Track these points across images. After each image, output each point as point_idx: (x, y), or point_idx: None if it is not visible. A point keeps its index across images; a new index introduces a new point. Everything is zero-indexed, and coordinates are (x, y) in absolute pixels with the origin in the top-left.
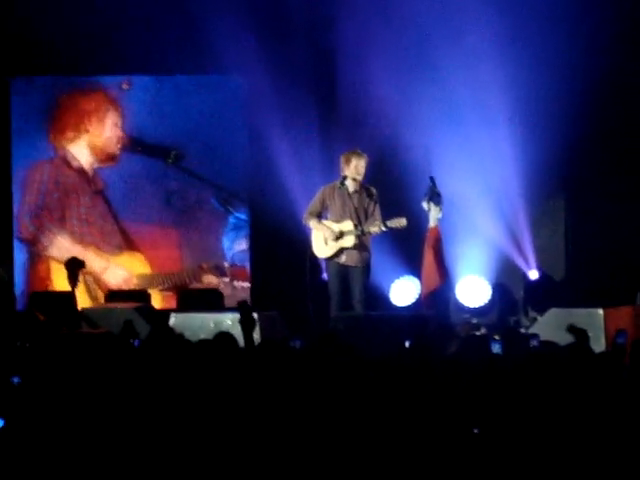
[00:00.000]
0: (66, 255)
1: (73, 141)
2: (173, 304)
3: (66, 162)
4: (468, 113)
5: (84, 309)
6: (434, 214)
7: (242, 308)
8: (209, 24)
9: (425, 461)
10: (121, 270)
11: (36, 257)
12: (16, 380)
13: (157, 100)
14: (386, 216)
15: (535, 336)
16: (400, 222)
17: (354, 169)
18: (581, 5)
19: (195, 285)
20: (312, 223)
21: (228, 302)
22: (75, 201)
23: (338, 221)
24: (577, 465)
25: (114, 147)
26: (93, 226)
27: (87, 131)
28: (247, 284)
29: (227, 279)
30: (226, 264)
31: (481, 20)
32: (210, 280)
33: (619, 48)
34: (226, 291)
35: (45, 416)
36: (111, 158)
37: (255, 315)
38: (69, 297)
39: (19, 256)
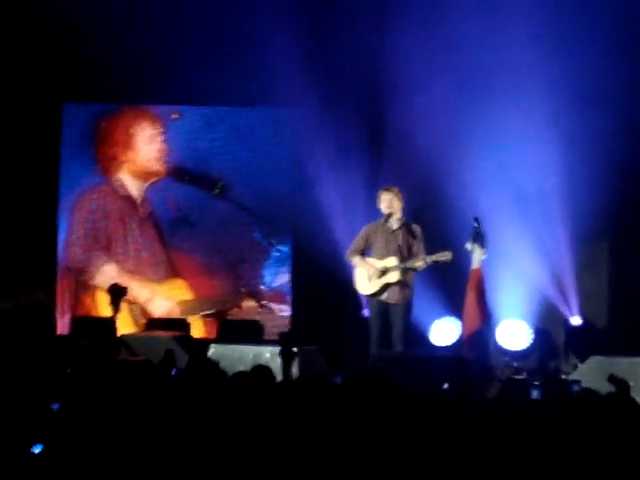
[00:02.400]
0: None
1: (120, 167)
2: (213, 334)
3: (114, 189)
4: (517, 154)
5: (123, 336)
6: (478, 255)
7: (284, 340)
8: (263, 57)
9: None
10: (166, 301)
11: (82, 285)
12: (55, 407)
13: (206, 131)
14: (430, 253)
15: (577, 382)
16: (445, 255)
17: (383, 204)
18: None
19: (235, 311)
20: (355, 260)
21: (268, 331)
22: (122, 229)
23: (381, 258)
24: None
25: (159, 166)
26: (139, 254)
27: (133, 155)
28: (286, 307)
29: (265, 302)
30: (264, 288)
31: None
32: (249, 304)
33: None
34: (265, 318)
35: (83, 441)
36: (155, 174)
37: (295, 349)
38: (110, 323)
39: (66, 283)
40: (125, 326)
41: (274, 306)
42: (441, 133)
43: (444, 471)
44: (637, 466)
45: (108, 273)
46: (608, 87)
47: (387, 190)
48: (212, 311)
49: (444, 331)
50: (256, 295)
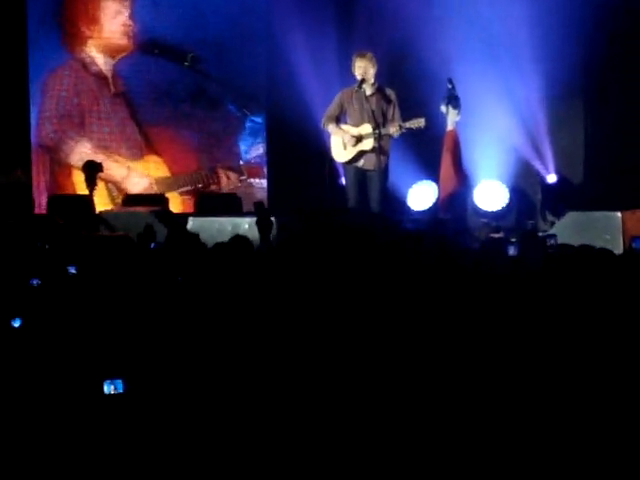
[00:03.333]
0: None
1: (86, 42)
2: (191, 209)
3: (84, 66)
4: (489, 14)
5: (102, 212)
6: (452, 117)
7: (259, 209)
8: None
9: (436, 357)
10: (142, 178)
11: (57, 164)
12: (35, 282)
13: (175, 2)
14: (404, 118)
15: (553, 236)
16: (419, 122)
17: (358, 70)
18: None
19: (213, 187)
20: (331, 127)
21: (246, 204)
22: (95, 106)
23: (356, 125)
24: (592, 367)
25: (125, 40)
26: (113, 131)
27: (99, 30)
28: (264, 181)
29: (244, 177)
30: (242, 162)
31: None
32: (229, 180)
33: None
34: (243, 192)
35: (62, 316)
36: (123, 49)
37: (272, 218)
38: (87, 200)
39: (41, 162)
40: (102, 204)
41: (252, 180)
42: None
43: (424, 326)
44: (614, 313)
45: (83, 151)
46: None
47: (361, 56)
48: (189, 187)
49: (421, 195)
50: (233, 170)
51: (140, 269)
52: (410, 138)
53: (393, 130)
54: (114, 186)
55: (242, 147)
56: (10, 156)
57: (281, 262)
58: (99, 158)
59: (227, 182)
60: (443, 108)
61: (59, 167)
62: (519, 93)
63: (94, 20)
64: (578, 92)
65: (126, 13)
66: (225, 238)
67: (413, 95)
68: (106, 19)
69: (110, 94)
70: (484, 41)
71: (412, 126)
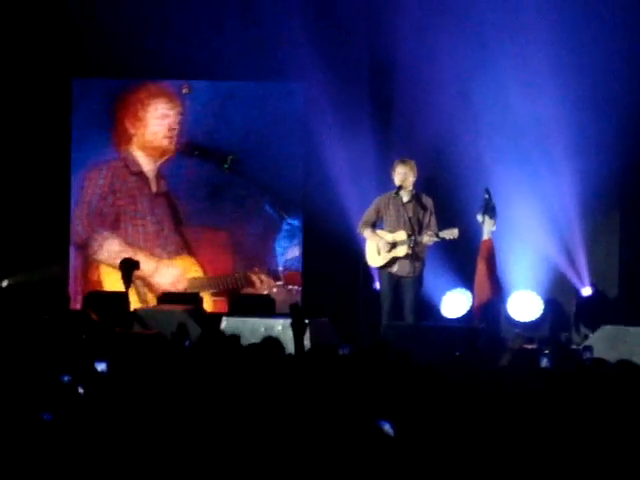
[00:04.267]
0: (116, 259)
1: (130, 140)
2: (225, 309)
3: (126, 165)
4: (524, 126)
5: (136, 310)
6: (488, 227)
7: (294, 311)
8: (271, 31)
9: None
10: (171, 271)
11: (87, 260)
12: (66, 379)
13: (215, 105)
14: (440, 226)
15: (588, 348)
16: (452, 233)
17: (398, 176)
18: None
19: (247, 290)
20: (366, 232)
21: (280, 308)
22: (132, 206)
23: (392, 231)
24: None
25: (167, 142)
26: (148, 231)
27: (143, 129)
28: (300, 288)
29: (280, 282)
30: (280, 268)
31: (543, 30)
32: (262, 284)
33: None
34: (278, 296)
35: (94, 413)
36: (164, 153)
37: (306, 320)
38: (122, 297)
39: (72, 258)
40: (133, 301)
41: (289, 287)
42: (452, 101)
43: (453, 438)
44: None
45: (112, 248)
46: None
47: (403, 162)
48: (221, 289)
49: (455, 303)
50: (270, 275)
51: (174, 367)
52: (446, 246)
53: (427, 239)
54: (142, 282)
55: (278, 249)
56: (47, 251)
57: (312, 367)
58: (128, 254)
59: (261, 286)
60: (479, 217)
61: (88, 263)
62: (555, 203)
63: (139, 119)
64: (614, 203)
65: (173, 117)
66: (258, 339)
67: (450, 204)
68: (152, 120)
69: (150, 193)
70: (522, 151)
71: (445, 236)
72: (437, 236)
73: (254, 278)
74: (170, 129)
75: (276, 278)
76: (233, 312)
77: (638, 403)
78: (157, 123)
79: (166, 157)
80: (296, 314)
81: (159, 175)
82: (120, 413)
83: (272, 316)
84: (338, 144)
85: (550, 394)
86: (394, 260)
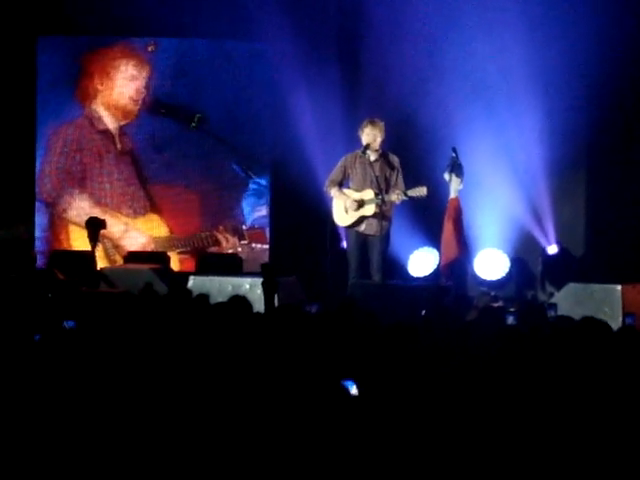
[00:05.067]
0: (84, 218)
1: (97, 100)
2: (192, 268)
3: (91, 123)
4: (492, 85)
5: (103, 269)
6: (455, 185)
7: (265, 270)
8: None
9: (439, 426)
10: (140, 235)
11: (56, 219)
12: (37, 337)
13: (182, 64)
14: (407, 185)
15: (553, 306)
16: (420, 191)
17: (367, 137)
18: None
19: (213, 249)
20: (333, 191)
21: (247, 266)
22: (97, 163)
23: (359, 190)
24: (585, 435)
25: (132, 104)
26: (114, 189)
27: (110, 89)
28: (265, 246)
29: (245, 241)
30: (244, 227)
31: None
32: (229, 243)
33: None
34: (245, 255)
35: (64, 373)
36: (128, 115)
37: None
38: (89, 257)
39: (40, 216)
40: (99, 260)
41: (254, 246)
42: (420, 61)
43: (418, 397)
44: (611, 387)
45: (80, 207)
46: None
47: (373, 124)
48: (187, 249)
49: (422, 261)
50: (235, 233)
51: (141, 326)
52: (413, 204)
53: (395, 197)
54: (111, 243)
55: (245, 209)
56: (13, 211)
57: (281, 325)
58: (97, 214)
59: (227, 245)
60: (446, 176)
61: (56, 222)
62: (522, 162)
63: (109, 77)
64: (581, 164)
65: (141, 81)
66: (225, 298)
67: (417, 162)
68: (121, 81)
69: (115, 151)
70: (488, 110)
71: (414, 195)
72: (405, 195)
73: (220, 237)
74: (137, 92)
75: (241, 237)
76: (200, 271)
77: (602, 358)
78: (125, 84)
79: (128, 120)
80: (267, 273)
81: (124, 133)
82: (89, 371)
83: (239, 275)
84: (306, 104)
85: (515, 351)
86: (361, 219)
